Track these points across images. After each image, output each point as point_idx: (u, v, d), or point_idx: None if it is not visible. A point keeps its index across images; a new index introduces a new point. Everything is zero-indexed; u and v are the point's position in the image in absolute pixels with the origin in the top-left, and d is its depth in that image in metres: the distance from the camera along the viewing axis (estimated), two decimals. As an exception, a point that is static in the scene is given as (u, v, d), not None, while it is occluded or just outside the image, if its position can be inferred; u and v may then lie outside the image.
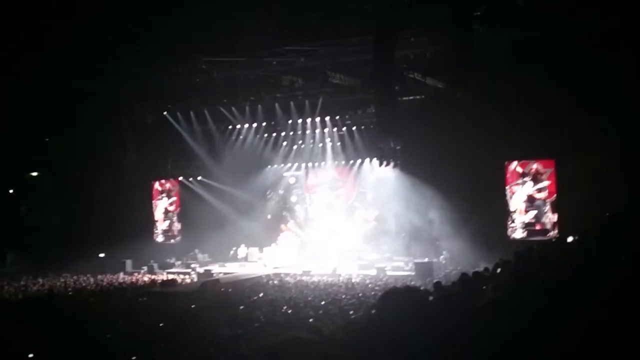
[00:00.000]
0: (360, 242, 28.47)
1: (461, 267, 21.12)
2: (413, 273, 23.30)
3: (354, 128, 28.64)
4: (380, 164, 24.41)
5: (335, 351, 3.45)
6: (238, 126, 30.41)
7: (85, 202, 30.47)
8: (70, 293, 22.18)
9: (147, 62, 24.91)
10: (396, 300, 3.95)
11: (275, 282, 22.97)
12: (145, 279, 25.98)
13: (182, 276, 26.11)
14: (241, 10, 20.58)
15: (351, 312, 14.17)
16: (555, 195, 24.23)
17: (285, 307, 15.81)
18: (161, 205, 32.94)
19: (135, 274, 27.39)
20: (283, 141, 30.38)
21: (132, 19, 21.53)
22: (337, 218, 29.92)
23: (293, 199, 31.35)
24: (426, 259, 24.00)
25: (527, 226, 24.66)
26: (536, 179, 24.59)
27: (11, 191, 33.12)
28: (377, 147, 24.64)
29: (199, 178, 31.50)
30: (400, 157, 24.54)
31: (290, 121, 29.35)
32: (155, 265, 28.68)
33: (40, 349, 11.82)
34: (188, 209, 31.82)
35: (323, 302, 16.46)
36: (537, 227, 24.44)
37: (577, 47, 20.76)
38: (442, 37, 21.02)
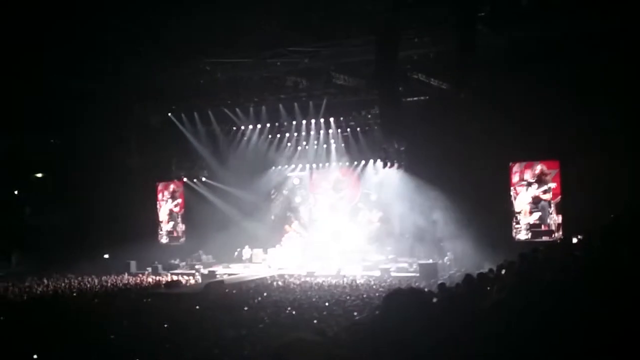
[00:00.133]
0: (364, 243, 28.45)
1: (465, 268, 21.09)
2: (417, 274, 23.26)
3: (358, 129, 28.62)
4: (384, 165, 24.41)
5: (340, 352, 3.44)
6: (242, 127, 30.42)
7: (89, 203, 30.51)
8: (74, 294, 22.20)
9: (151, 63, 24.93)
10: (400, 301, 3.95)
11: (280, 283, 22.96)
12: (150, 280, 25.99)
13: (186, 277, 26.10)
14: (245, 11, 20.57)
15: (355, 313, 14.16)
16: (560, 196, 24.18)
17: (289, 308, 15.80)
18: (165, 207, 32.98)
19: (140, 275, 27.37)
20: (287, 142, 30.36)
21: (135, 20, 21.54)
22: (341, 219, 29.90)
23: (297, 200, 31.35)
24: (430, 260, 23.97)
25: (532, 227, 24.62)
26: (541, 180, 24.56)
27: (16, 192, 33.19)
28: (381, 148, 24.64)
29: (203, 179, 31.50)
30: (404, 158, 24.55)
31: (294, 122, 29.35)
32: (160, 267, 28.69)
33: (45, 350, 11.84)
34: (192, 210, 31.85)
35: (327, 303, 16.46)
36: (542, 228, 24.40)
37: (579, 47, 20.73)
38: (445, 37, 21.00)
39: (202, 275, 26.47)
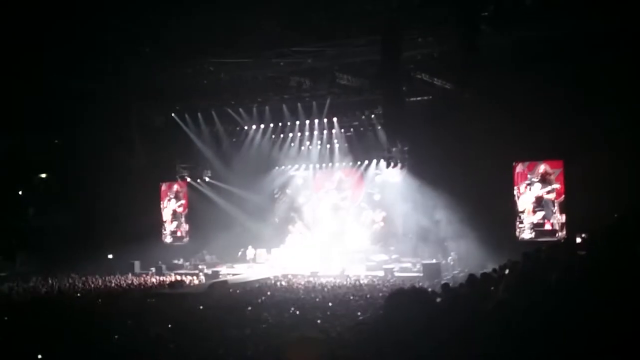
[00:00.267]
0: (368, 243, 28.46)
1: (469, 268, 21.06)
2: (421, 274, 23.25)
3: (361, 129, 28.62)
4: (388, 165, 24.40)
5: (343, 352, 3.45)
6: (246, 127, 30.46)
7: (93, 203, 30.56)
8: (78, 294, 22.25)
9: (155, 64, 24.95)
10: (403, 301, 3.95)
11: (283, 283, 22.97)
12: (154, 280, 26.03)
13: (190, 277, 26.14)
14: (248, 11, 20.56)
15: (359, 313, 14.18)
16: (563, 196, 24.15)
17: (292, 308, 15.81)
18: (169, 207, 33.02)
19: (144, 275, 27.41)
20: (290, 142, 30.37)
21: (138, 20, 21.56)
22: (344, 219, 29.91)
23: (301, 200, 31.35)
24: (434, 260, 23.96)
25: (536, 227, 24.59)
26: (545, 179, 24.53)
27: (20, 193, 33.21)
28: (384, 148, 24.63)
29: (207, 179, 31.54)
30: (408, 158, 24.53)
31: (297, 122, 29.38)
32: (164, 267, 28.73)
33: (49, 350, 11.86)
34: (196, 210, 31.88)
35: (331, 304, 16.47)
36: (546, 228, 24.37)
37: (583, 47, 20.70)
38: (449, 37, 20.98)
39: (206, 275, 26.51)
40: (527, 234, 24.66)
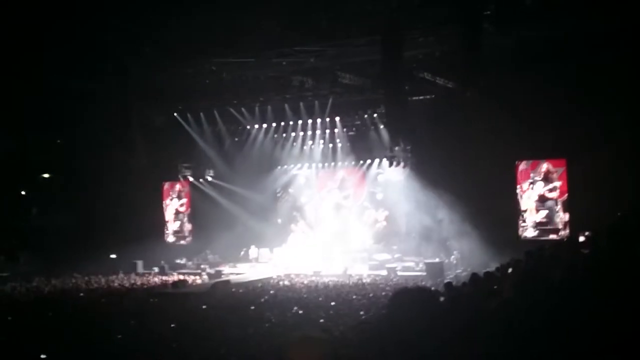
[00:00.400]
0: (371, 242, 28.45)
1: (472, 267, 21.06)
2: (424, 273, 23.24)
3: (363, 128, 28.60)
4: (390, 164, 24.37)
5: (346, 351, 3.45)
6: (248, 127, 30.47)
7: (96, 203, 30.58)
8: (81, 294, 22.27)
9: (156, 64, 24.97)
10: (407, 300, 3.94)
11: (286, 282, 22.97)
12: (156, 279, 26.03)
13: (192, 277, 26.14)
14: (249, 10, 20.58)
15: (362, 313, 14.18)
16: (566, 194, 24.12)
17: (295, 308, 15.81)
18: (172, 206, 33.04)
19: (146, 275, 27.43)
20: (293, 142, 30.36)
21: (139, 20, 21.57)
22: (347, 218, 29.89)
23: (303, 199, 31.33)
24: (437, 259, 23.93)
25: (539, 225, 24.57)
26: (547, 178, 24.50)
27: (22, 193, 33.27)
28: (387, 147, 24.61)
29: (209, 179, 31.52)
30: (410, 157, 24.50)
31: (300, 121, 29.38)
32: (166, 266, 28.71)
33: (52, 350, 11.88)
34: (198, 210, 31.91)
35: (333, 303, 16.46)
36: (549, 227, 24.34)
37: (585, 47, 20.70)
38: (451, 36, 20.98)
39: (209, 274, 26.50)
40: (530, 233, 24.64)
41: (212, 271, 26.90)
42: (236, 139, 31.29)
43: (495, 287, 8.47)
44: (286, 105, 28.74)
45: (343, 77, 24.89)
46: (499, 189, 24.21)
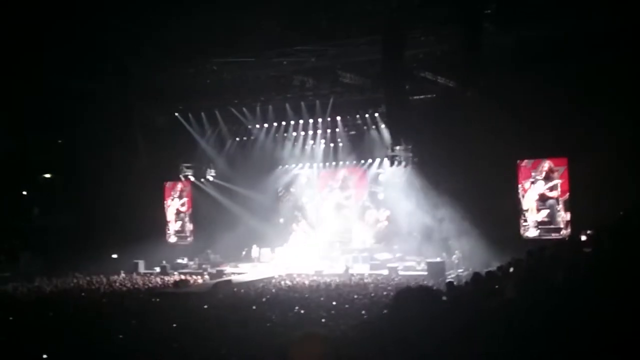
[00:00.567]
0: (372, 242, 28.44)
1: (473, 266, 21.07)
2: (425, 273, 23.23)
3: (364, 127, 28.60)
4: (391, 164, 24.36)
5: (348, 350, 3.44)
6: (249, 126, 30.48)
7: (97, 203, 30.61)
8: (83, 294, 22.27)
9: (157, 64, 24.99)
10: (410, 300, 3.94)
11: (287, 282, 22.96)
12: (158, 279, 26.03)
13: (194, 277, 26.13)
14: (251, 10, 20.60)
15: (363, 312, 14.17)
16: (567, 193, 24.11)
17: (297, 307, 15.81)
18: (173, 206, 33.06)
19: (148, 275, 27.44)
20: (294, 141, 30.37)
21: (139, 20, 21.59)
22: (348, 218, 29.90)
23: (304, 199, 31.32)
24: (438, 259, 23.93)
25: (540, 225, 24.56)
26: (548, 177, 24.49)
27: (24, 193, 33.32)
28: (388, 146, 24.61)
29: (211, 179, 31.53)
30: (411, 157, 24.50)
31: (301, 121, 29.38)
32: (168, 266, 28.72)
33: (54, 350, 11.89)
34: (200, 210, 31.94)
35: (335, 302, 16.45)
36: (550, 226, 24.33)
37: (586, 46, 20.71)
38: (451, 36, 20.98)
39: (210, 274, 26.50)
40: (531, 232, 24.64)
41: (213, 271, 26.90)
42: (237, 139, 31.34)
43: (496, 286, 8.46)
44: (287, 105, 28.74)
45: (344, 76, 24.89)
46: (500, 188, 24.22)
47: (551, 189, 24.41)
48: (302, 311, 15.33)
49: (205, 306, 17.50)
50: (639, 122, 20.86)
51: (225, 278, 24.69)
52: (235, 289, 21.54)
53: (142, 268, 28.87)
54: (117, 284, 24.77)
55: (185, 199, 32.72)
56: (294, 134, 30.15)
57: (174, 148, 30.93)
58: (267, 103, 29.10)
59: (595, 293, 4.95)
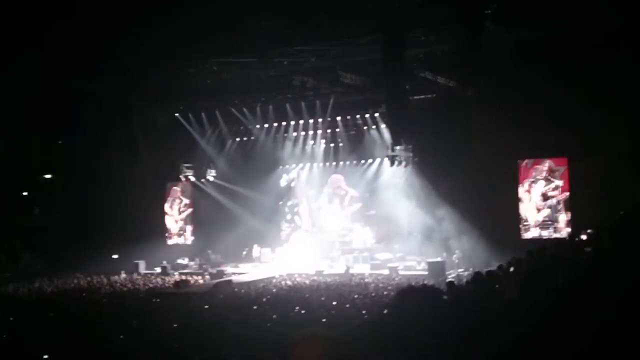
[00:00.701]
0: (373, 241, 28.44)
1: (474, 266, 21.07)
2: (426, 272, 23.24)
3: (365, 127, 28.61)
4: (392, 164, 24.36)
5: (349, 350, 3.45)
6: (250, 127, 30.48)
7: (97, 204, 30.62)
8: (83, 294, 22.28)
9: (157, 64, 24.99)
10: (412, 299, 3.95)
11: (288, 282, 22.97)
12: (159, 280, 26.04)
13: (194, 277, 26.15)
14: (251, 10, 20.61)
15: (364, 312, 14.17)
16: (568, 193, 24.11)
17: (298, 308, 15.81)
18: (173, 207, 33.04)
19: (148, 275, 27.46)
20: (294, 141, 30.39)
21: (140, 20, 21.60)
22: (349, 217, 29.91)
23: (305, 199, 31.34)
24: (439, 259, 23.93)
25: (540, 224, 24.55)
26: (548, 177, 24.49)
27: (25, 193, 33.33)
28: (388, 146, 24.61)
29: (211, 179, 31.54)
30: (412, 157, 24.50)
31: (301, 121, 29.40)
32: (168, 266, 28.73)
33: (55, 350, 11.89)
34: (200, 210, 31.93)
35: (335, 302, 16.46)
36: (550, 226, 24.33)
37: (586, 46, 20.72)
38: (452, 35, 20.99)
39: (211, 274, 26.51)
40: (531, 232, 24.64)
41: (214, 271, 26.91)
42: (237, 139, 31.36)
43: (497, 286, 8.47)
44: (287, 105, 28.76)
45: (344, 76, 24.88)
46: (500, 188, 24.22)
47: (551, 189, 24.41)
48: (302, 311, 15.35)
49: (206, 306, 17.51)
50: (639, 122, 20.88)
51: (225, 278, 24.70)
52: (235, 289, 21.55)
53: (142, 268, 28.89)
54: (118, 285, 24.79)
55: (185, 200, 32.72)
56: (295, 134, 30.16)
57: (175, 148, 30.93)
58: (268, 103, 29.11)
59: (595, 293, 4.95)
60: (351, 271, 24.53)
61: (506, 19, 19.96)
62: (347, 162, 29.87)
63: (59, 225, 31.15)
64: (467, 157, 24.10)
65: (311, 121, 29.20)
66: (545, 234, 24.10)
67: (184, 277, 25.63)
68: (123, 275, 27.10)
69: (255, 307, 16.51)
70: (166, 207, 32.97)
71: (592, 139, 21.76)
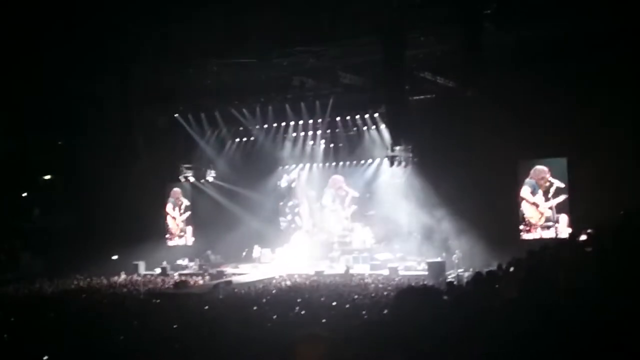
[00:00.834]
0: (372, 242, 28.43)
1: (474, 266, 21.07)
2: (426, 272, 23.23)
3: (364, 128, 28.61)
4: (392, 164, 24.37)
5: (349, 351, 3.45)
6: (249, 127, 30.49)
7: (97, 204, 30.61)
8: (83, 295, 22.28)
9: (157, 65, 25.00)
10: (412, 299, 3.95)
11: (288, 282, 22.96)
12: (158, 280, 26.04)
13: (194, 277, 26.15)
14: (251, 11, 20.62)
15: (364, 312, 14.16)
16: (568, 193, 24.08)
17: (297, 308, 15.80)
18: (173, 207, 33.04)
19: (148, 276, 27.46)
20: (294, 142, 30.40)
21: (140, 21, 21.61)
22: (348, 218, 29.91)
23: (305, 199, 31.35)
24: (439, 259, 23.93)
25: (540, 224, 24.52)
26: (549, 177, 24.45)
27: (24, 194, 33.31)
28: (388, 146, 24.62)
29: (211, 180, 31.55)
30: (412, 157, 24.51)
31: (301, 122, 29.40)
32: (168, 267, 28.73)
33: (55, 351, 11.89)
34: (200, 211, 31.93)
35: (335, 303, 16.45)
36: (550, 226, 24.30)
37: (585, 47, 20.73)
38: (452, 36, 21.00)
39: (211, 275, 26.49)
40: (531, 232, 24.61)
41: (214, 272, 26.88)
42: (237, 140, 31.37)
43: (497, 286, 8.47)
44: (287, 106, 28.77)
45: (344, 76, 24.90)
46: (501, 188, 24.21)
47: (551, 189, 24.38)
48: (302, 311, 15.33)
49: (206, 307, 17.50)
50: (639, 122, 20.87)
51: (225, 279, 24.69)
52: (235, 290, 21.55)
53: (142, 269, 28.88)
54: (118, 285, 24.78)
55: (185, 201, 32.70)
56: (294, 134, 30.17)
57: (174, 149, 30.95)
58: (267, 104, 29.12)
59: (595, 293, 4.95)
60: (351, 271, 24.51)
61: (506, 19, 19.96)
62: (347, 163, 29.87)
63: (59, 226, 31.14)
64: (467, 157, 24.09)
65: (311, 121, 29.21)
66: (546, 234, 24.08)
67: (183, 278, 25.63)
68: (123, 276, 27.09)
69: (255, 308, 16.49)
70: (168, 208, 32.97)
71: (592, 139, 21.76)
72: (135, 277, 27.21)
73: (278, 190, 31.44)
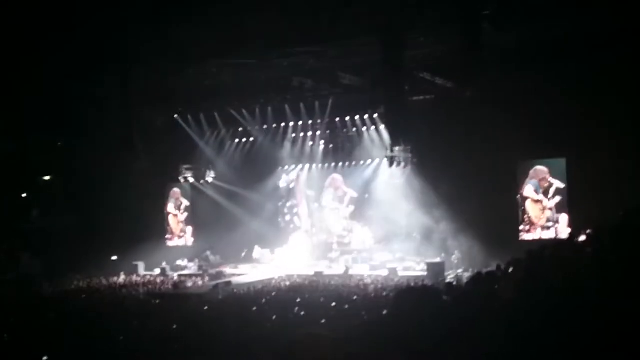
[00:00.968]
0: (372, 242, 28.44)
1: (473, 266, 21.08)
2: (425, 273, 23.24)
3: (364, 128, 28.62)
4: (391, 165, 24.38)
5: (349, 351, 3.45)
6: (248, 128, 30.51)
7: (97, 205, 30.60)
8: (83, 295, 22.28)
9: (157, 65, 24.99)
10: (411, 300, 3.95)
11: (287, 283, 22.97)
12: (158, 281, 26.04)
13: (194, 278, 26.15)
14: (251, 11, 20.60)
15: (363, 313, 14.17)
16: (567, 194, 24.09)
17: (297, 308, 15.80)
18: (172, 208, 33.05)
19: (148, 276, 27.45)
20: (293, 142, 30.42)
21: (140, 21, 21.59)
22: (348, 218, 29.92)
23: (304, 200, 31.36)
24: (438, 259, 23.94)
25: (539, 225, 24.54)
26: (549, 177, 24.47)
27: (24, 195, 33.29)
28: (387, 147, 24.64)
29: (210, 180, 31.55)
30: (411, 157, 24.52)
31: (300, 122, 29.42)
32: (168, 268, 28.74)
33: (55, 351, 11.88)
34: (200, 211, 31.95)
35: (335, 303, 16.45)
36: (549, 226, 24.31)
37: (586, 46, 20.73)
38: (451, 36, 21.00)
39: (210, 275, 26.50)
40: (530, 232, 24.62)
41: (213, 272, 26.90)
42: (237, 141, 31.39)
43: (496, 286, 8.46)
44: (286, 106, 28.80)
45: (343, 77, 24.91)
46: (500, 189, 24.21)
47: (551, 189, 24.39)
48: (302, 312, 15.33)
49: (206, 307, 17.50)
50: (639, 122, 20.88)
51: (225, 279, 24.71)
52: (235, 290, 21.57)
53: (142, 270, 28.89)
54: (117, 286, 24.78)
55: (185, 201, 32.71)
56: (294, 135, 30.19)
57: (174, 150, 30.97)
58: (267, 104, 29.17)
59: (595, 293, 4.95)
60: (350, 272, 24.53)
61: (506, 19, 19.96)
62: (346, 163, 29.88)
63: (59, 227, 31.11)
64: (466, 157, 24.10)
65: (310, 122, 29.25)
66: (546, 235, 24.08)
67: (183, 279, 25.64)
68: (122, 276, 27.09)
69: (254, 308, 16.49)
70: (169, 208, 32.97)
71: (591, 139, 21.76)
72: (134, 277, 27.20)
73: (278, 190, 31.45)
